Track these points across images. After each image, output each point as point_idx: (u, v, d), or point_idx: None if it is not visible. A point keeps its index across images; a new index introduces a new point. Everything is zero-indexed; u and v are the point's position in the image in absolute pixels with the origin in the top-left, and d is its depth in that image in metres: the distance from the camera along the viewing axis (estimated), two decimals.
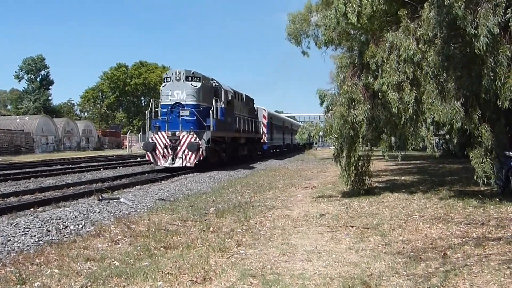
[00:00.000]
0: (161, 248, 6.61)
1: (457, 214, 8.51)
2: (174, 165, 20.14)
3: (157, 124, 20.93)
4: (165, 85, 21.56)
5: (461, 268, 5.22)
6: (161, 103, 21.31)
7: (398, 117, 10.36)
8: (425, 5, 9.52)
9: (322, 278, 5.13)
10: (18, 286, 5.01)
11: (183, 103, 20.67)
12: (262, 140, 34.42)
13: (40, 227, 7.90)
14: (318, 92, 11.78)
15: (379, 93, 10.51)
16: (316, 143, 65.94)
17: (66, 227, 8.16)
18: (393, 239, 6.87)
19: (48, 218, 8.53)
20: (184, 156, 20.09)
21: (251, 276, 5.21)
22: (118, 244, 7.02)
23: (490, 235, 6.79)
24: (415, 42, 9.61)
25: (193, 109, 20.58)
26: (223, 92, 23.56)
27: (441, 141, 21.63)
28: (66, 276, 5.32)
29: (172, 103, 20.74)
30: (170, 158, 20.24)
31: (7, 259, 6.18)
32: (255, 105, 33.20)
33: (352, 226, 7.88)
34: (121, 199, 11.22)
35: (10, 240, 7.08)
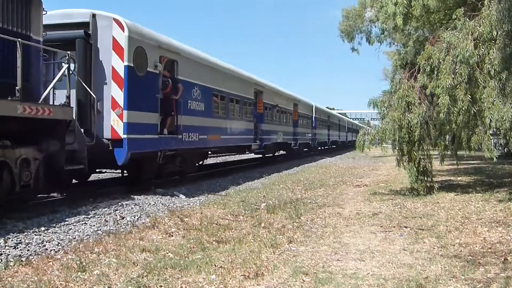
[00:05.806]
0: (214, 242, 6.71)
1: None
2: None
3: None
4: None
5: None
6: None
7: (452, 120, 10.14)
8: (485, 1, 9.21)
9: (376, 279, 5.05)
10: (79, 273, 5.21)
11: None
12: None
13: (98, 218, 8.23)
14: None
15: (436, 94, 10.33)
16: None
17: (123, 218, 8.45)
18: (450, 241, 6.66)
19: (106, 209, 8.88)
20: None
21: (303, 273, 5.21)
22: (172, 236, 7.19)
23: None
24: (472, 43, 9.30)
25: None
26: None
27: (499, 141, 20.69)
28: (123, 266, 5.51)
29: None
30: None
31: (68, 247, 6.46)
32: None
33: (406, 227, 7.70)
34: (175, 193, 11.50)
35: (71, 229, 7.41)
